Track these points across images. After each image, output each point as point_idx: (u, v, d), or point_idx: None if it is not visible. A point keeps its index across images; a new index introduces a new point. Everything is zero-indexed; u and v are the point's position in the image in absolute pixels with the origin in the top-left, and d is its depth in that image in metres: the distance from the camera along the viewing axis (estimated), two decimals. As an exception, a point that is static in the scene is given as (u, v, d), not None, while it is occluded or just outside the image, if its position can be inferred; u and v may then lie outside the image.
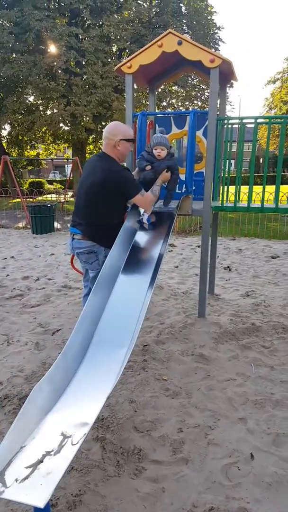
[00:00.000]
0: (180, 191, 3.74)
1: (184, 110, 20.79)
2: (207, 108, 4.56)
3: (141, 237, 3.20)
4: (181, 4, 19.79)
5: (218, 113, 3.93)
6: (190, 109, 19.76)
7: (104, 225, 2.97)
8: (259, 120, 3.85)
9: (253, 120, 3.73)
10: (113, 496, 1.91)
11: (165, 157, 3.26)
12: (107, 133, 2.94)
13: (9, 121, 19.47)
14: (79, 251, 3.05)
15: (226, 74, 3.94)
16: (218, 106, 4.04)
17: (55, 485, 1.55)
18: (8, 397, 2.70)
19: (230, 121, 3.89)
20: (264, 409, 2.59)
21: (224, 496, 1.91)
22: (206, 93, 21.86)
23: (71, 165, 18.69)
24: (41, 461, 1.70)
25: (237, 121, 3.85)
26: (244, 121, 3.75)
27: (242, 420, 2.48)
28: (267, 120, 4.23)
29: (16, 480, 1.60)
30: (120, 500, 1.89)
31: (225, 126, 3.85)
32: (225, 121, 3.86)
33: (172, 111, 19.43)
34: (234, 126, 3.90)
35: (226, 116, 4.66)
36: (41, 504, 1.47)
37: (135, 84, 3.99)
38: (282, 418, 2.49)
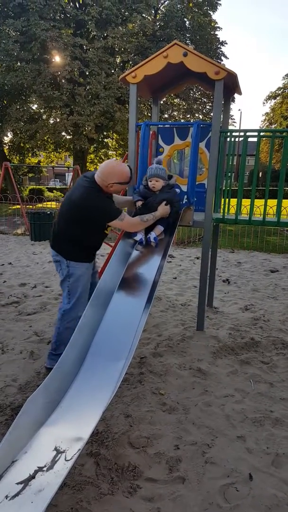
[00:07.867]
0: (181, 202, 3.71)
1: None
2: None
3: (140, 250, 3.15)
4: (185, 19, 20.05)
5: (221, 125, 3.93)
6: (192, 121, 19.90)
7: (69, 240, 2.93)
8: (262, 134, 3.84)
9: (256, 134, 3.72)
10: (106, 516, 1.84)
11: (162, 189, 3.13)
12: (101, 173, 2.80)
13: (11, 129, 19.53)
14: (52, 258, 3.10)
15: (230, 87, 3.95)
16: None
17: (47, 504, 1.49)
18: (0, 407, 2.63)
19: (234, 134, 3.88)
20: (263, 427, 2.52)
21: (221, 518, 1.84)
22: (208, 107, 22.09)
23: (71, 173, 18.73)
24: (33, 477, 1.64)
25: (240, 133, 3.85)
26: (248, 134, 3.74)
27: (240, 438, 2.41)
28: (271, 134, 4.22)
29: (6, 496, 1.54)
30: (114, 520, 1.82)
31: (228, 139, 3.84)
32: (228, 134, 3.86)
33: (175, 122, 19.56)
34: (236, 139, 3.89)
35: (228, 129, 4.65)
36: (31, 524, 1.41)
37: (139, 95, 3.99)
38: (281, 438, 2.42)
